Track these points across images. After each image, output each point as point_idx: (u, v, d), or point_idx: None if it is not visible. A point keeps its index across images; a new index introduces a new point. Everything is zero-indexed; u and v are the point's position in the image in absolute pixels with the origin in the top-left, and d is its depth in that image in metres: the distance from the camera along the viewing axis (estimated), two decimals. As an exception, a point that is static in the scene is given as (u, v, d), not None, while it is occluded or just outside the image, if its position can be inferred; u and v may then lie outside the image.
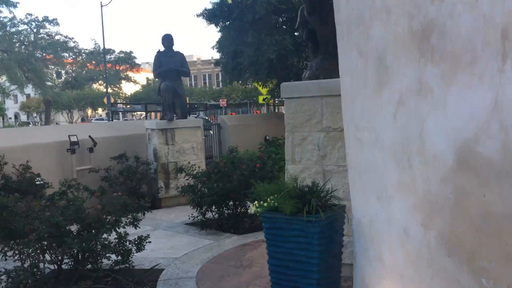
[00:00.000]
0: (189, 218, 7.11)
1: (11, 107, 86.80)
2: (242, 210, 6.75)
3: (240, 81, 18.31)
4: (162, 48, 9.53)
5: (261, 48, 14.05)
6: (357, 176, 2.77)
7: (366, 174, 2.58)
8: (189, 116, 11.20)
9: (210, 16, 14.32)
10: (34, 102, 71.43)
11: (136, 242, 4.76)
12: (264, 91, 20.87)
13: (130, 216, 4.60)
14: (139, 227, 4.70)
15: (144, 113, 32.93)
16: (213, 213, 6.86)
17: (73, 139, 8.41)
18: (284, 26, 14.66)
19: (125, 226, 4.55)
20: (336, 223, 3.15)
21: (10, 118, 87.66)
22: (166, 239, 6.45)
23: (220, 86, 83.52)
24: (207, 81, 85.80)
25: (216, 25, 14.74)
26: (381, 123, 2.33)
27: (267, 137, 15.49)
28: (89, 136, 8.72)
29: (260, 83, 18.44)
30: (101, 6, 36.67)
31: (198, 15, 14.42)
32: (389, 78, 2.21)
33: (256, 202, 3.19)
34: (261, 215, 3.20)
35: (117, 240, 4.49)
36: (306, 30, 4.61)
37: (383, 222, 2.37)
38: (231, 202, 6.74)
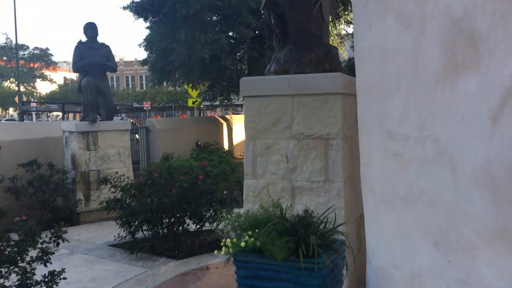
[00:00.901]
0: (115, 239, 5.94)
1: None
2: (181, 229, 5.72)
3: (169, 82, 17.10)
4: (84, 39, 8.25)
5: (194, 47, 13.04)
6: (384, 207, 1.92)
7: (410, 206, 1.74)
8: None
9: (139, 9, 13.07)
10: None
11: (46, 280, 3.61)
12: (194, 93, 19.82)
13: (39, 247, 3.45)
14: (50, 262, 3.54)
15: (61, 114, 30.50)
16: (146, 232, 5.76)
17: (-30, 142, 6.93)
18: (219, 25, 13.73)
19: (31, 263, 3.38)
20: (338, 269, 2.28)
21: None
22: (86, 267, 5.25)
23: (144, 88, 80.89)
24: (130, 83, 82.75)
25: (145, 19, 13.51)
26: (455, 130, 1.50)
27: (199, 142, 14.48)
28: (-9, 139, 7.26)
29: (190, 85, 17.36)
30: (14, -4, 33.53)
31: (125, 8, 13.12)
32: (480, 58, 1.40)
33: (227, 240, 2.24)
34: (234, 258, 2.25)
35: (19, 282, 3.30)
36: (273, 13, 3.74)
37: (450, 281, 1.55)
38: (168, 220, 5.70)
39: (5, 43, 49.79)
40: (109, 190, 6.41)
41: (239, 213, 2.63)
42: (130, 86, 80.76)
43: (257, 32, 13.89)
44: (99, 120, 8.09)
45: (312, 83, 3.51)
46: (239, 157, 16.90)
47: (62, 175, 7.62)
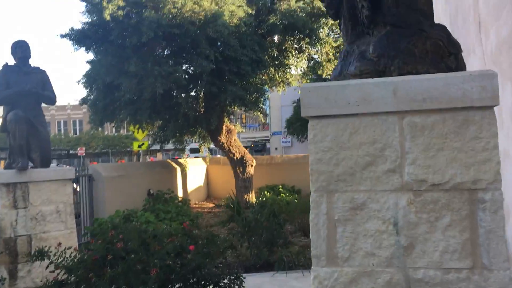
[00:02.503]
0: None
1: None
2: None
3: (113, 123, 15.08)
4: (12, 61, 6.32)
5: (146, 80, 11.30)
6: None
7: None
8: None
9: (80, 37, 11.20)
10: None
11: None
12: (140, 136, 17.81)
13: None
14: None
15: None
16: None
17: None
18: (174, 56, 12.12)
19: None
20: None
21: None
22: None
23: (78, 133, 76.81)
24: (62, 128, 78.57)
25: (87, 49, 11.64)
26: None
27: (151, 191, 12.52)
28: None
29: (137, 126, 15.41)
30: None
31: (63, 36, 11.19)
32: None
33: None
34: None
35: None
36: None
37: None
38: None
39: None
40: (46, 269, 4.43)
41: None
42: (63, 131, 76.63)
43: (215, 65, 12.39)
44: (31, 167, 6.10)
45: (440, 90, 1.95)
46: (195, 205, 14.99)
47: (-23, 244, 5.51)
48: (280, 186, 15.31)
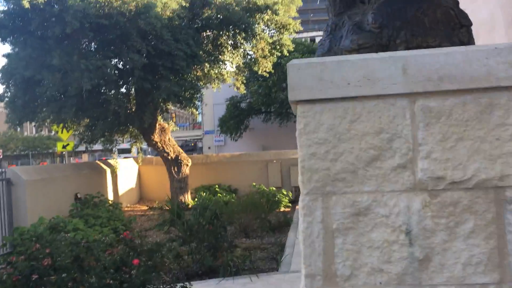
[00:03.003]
0: None
1: None
2: None
3: (34, 123, 13.88)
4: None
5: (71, 75, 10.39)
6: None
7: None
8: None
9: (-5, 26, 10.07)
10: None
11: None
12: (65, 135, 16.62)
13: None
14: None
15: None
16: None
17: None
18: (103, 49, 11.26)
19: None
20: None
21: None
22: None
23: (-6, 134, 71.63)
24: (-24, 129, 72.96)
25: (4, 40, 10.50)
26: None
27: (79, 195, 11.58)
28: None
29: (61, 125, 14.28)
30: None
31: (-25, 25, 10.01)
32: None
33: None
34: None
35: None
36: None
37: None
38: None
39: None
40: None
41: None
42: (-23, 132, 71.17)
43: (148, 60, 11.66)
44: None
45: (459, 66, 1.60)
46: (127, 209, 14.15)
47: None
48: (217, 186, 14.84)
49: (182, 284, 3.66)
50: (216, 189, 14.57)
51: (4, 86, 13.13)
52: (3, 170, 9.02)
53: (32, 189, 9.45)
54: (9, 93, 12.99)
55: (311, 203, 1.66)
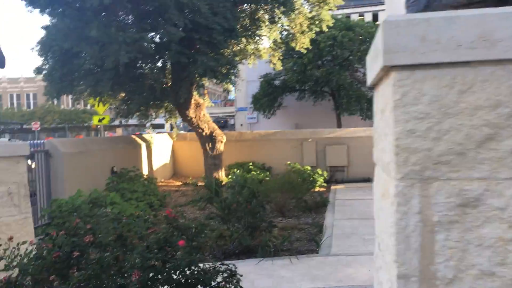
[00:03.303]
0: None
1: None
2: None
3: (71, 95, 13.93)
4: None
5: (109, 47, 10.25)
6: None
7: None
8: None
9: (34, -3, 9.99)
10: None
11: None
12: (101, 109, 16.67)
13: None
14: None
15: None
16: None
17: None
18: (140, 22, 11.06)
19: None
20: None
21: None
22: None
23: (32, 107, 73.50)
24: (14, 102, 75.01)
25: (42, 11, 10.42)
26: None
27: (114, 169, 11.59)
28: None
29: (98, 98, 14.30)
30: None
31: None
32: None
33: None
34: None
35: None
36: None
37: None
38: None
39: None
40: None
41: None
42: (16, 105, 73.16)
43: (185, 33, 11.41)
44: (-24, 142, 5.16)
45: None
46: (162, 184, 14.15)
47: None
48: (250, 164, 14.65)
49: (226, 266, 3.47)
50: (250, 166, 14.40)
51: (43, 58, 13.18)
52: (42, 142, 9.03)
53: (70, 162, 9.46)
54: (47, 66, 13.03)
55: (407, 190, 1.39)
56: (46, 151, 8.98)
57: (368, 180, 14.02)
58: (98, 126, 36.02)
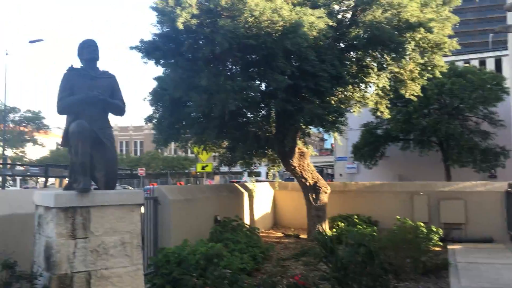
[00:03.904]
0: None
1: None
2: None
3: (177, 142, 14.26)
4: (78, 64, 5.44)
5: (217, 96, 10.32)
6: None
7: None
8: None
9: (150, 49, 10.43)
10: None
11: None
12: (204, 157, 16.95)
13: None
14: None
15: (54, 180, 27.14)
16: None
17: None
18: (249, 70, 11.10)
19: None
20: None
21: None
22: None
23: (138, 154, 78.30)
24: (123, 149, 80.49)
25: (157, 62, 10.85)
26: None
27: (218, 217, 11.42)
28: None
29: (202, 146, 14.51)
30: (6, 54, 31.43)
31: (132, 48, 10.48)
32: None
33: None
34: None
35: None
36: None
37: None
38: None
39: (-4, 105, 47.21)
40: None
41: None
42: (124, 152, 78.44)
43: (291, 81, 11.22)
44: (94, 189, 5.12)
45: None
46: (262, 234, 13.74)
47: (28, 283, 4.52)
48: (355, 216, 13.81)
49: None
50: (355, 219, 13.56)
51: (153, 107, 13.72)
52: (152, 188, 9.11)
53: (176, 209, 9.42)
54: (157, 114, 13.52)
55: None
56: (155, 198, 9.02)
57: (490, 240, 12.53)
58: (197, 173, 36.90)
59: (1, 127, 44.74)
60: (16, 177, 35.90)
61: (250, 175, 29.00)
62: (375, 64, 13.09)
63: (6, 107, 39.60)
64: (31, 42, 31.51)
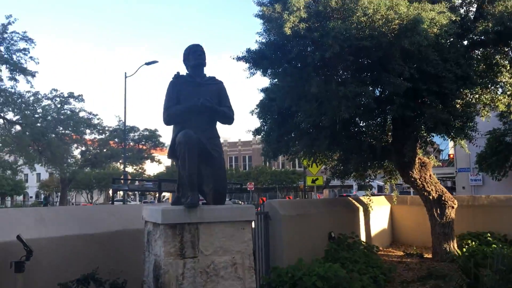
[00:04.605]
0: None
1: (33, 185, 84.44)
2: None
3: (287, 155, 13.76)
4: (184, 72, 5.14)
5: (327, 104, 9.65)
6: None
7: None
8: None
9: (257, 58, 10.08)
10: (55, 181, 68.69)
11: None
12: (314, 170, 16.27)
13: None
14: None
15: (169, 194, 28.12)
16: None
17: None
18: (362, 74, 10.30)
19: None
20: None
21: (31, 197, 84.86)
22: None
23: (247, 169, 79.72)
24: (233, 163, 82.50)
25: (265, 71, 10.48)
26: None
27: (332, 234, 10.64)
28: (18, 237, 4.10)
29: (312, 159, 13.84)
30: (125, 77, 33.68)
31: (239, 59, 10.21)
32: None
33: None
34: None
35: None
36: None
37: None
38: None
39: (118, 125, 50.85)
40: None
41: None
42: (234, 167, 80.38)
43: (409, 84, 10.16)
44: (202, 204, 4.73)
45: None
46: (380, 252, 12.66)
47: (135, 305, 4.22)
48: (488, 235, 12.19)
49: None
50: (489, 238, 11.96)
51: (261, 120, 13.40)
52: (263, 203, 8.66)
53: (288, 225, 8.87)
54: (265, 127, 13.17)
55: None
56: (266, 213, 8.55)
57: None
58: (307, 187, 36.22)
59: (122, 145, 48.06)
60: (136, 191, 38.10)
61: (361, 188, 27.68)
62: (506, 62, 11.53)
63: (126, 127, 42.39)
64: (147, 64, 33.37)
